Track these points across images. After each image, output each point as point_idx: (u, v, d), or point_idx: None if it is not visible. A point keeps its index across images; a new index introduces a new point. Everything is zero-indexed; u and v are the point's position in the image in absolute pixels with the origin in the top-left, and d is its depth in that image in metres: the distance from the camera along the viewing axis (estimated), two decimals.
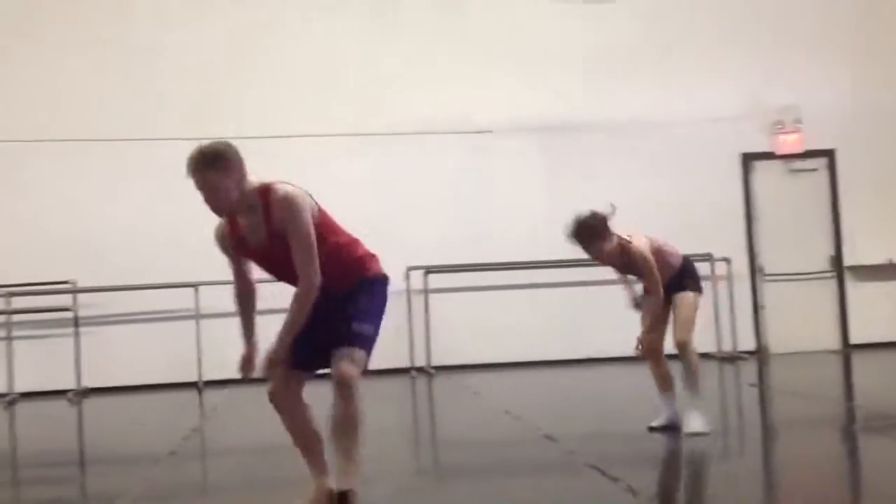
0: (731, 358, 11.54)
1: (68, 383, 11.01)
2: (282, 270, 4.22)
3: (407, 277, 11.55)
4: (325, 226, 4.25)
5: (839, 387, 9.70)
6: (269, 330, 4.25)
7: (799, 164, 12.38)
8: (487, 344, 11.63)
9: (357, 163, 11.69)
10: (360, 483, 4.28)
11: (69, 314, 11.30)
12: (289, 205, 4.09)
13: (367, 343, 4.23)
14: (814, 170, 12.43)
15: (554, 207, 11.32)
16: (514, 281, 11.82)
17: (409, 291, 11.54)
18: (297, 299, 4.14)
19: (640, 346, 6.29)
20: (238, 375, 4.29)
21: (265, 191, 4.15)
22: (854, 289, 12.29)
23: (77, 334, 11.28)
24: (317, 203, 4.25)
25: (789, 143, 12.27)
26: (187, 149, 4.16)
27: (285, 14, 11.95)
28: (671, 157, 12.08)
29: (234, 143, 4.21)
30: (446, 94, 11.88)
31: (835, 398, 8.48)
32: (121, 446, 7.51)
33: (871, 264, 12.21)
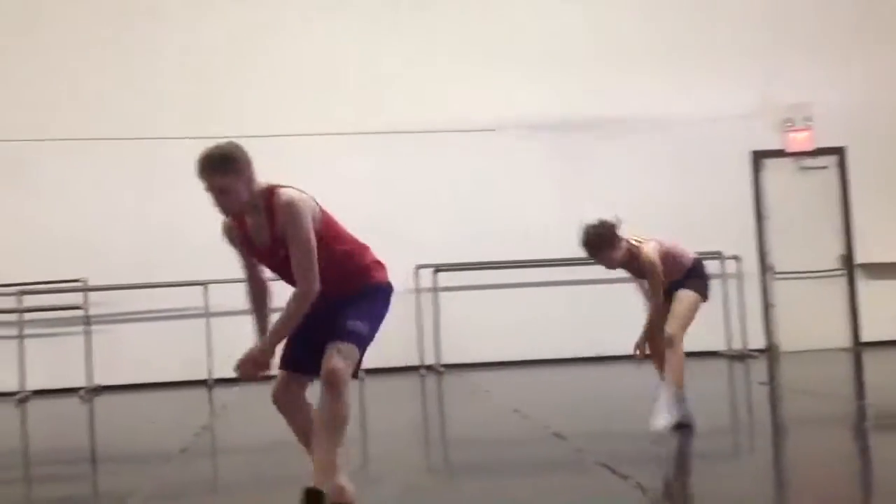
0: (742, 356, 11.52)
1: (79, 381, 11.06)
2: (285, 272, 4.22)
3: (416, 276, 11.57)
4: (330, 232, 4.23)
5: (850, 385, 9.68)
6: None
7: (809, 161, 12.35)
8: (496, 342, 11.64)
9: (364, 162, 11.70)
10: (366, 482, 4.28)
11: (80, 312, 11.36)
12: (290, 210, 4.09)
13: (360, 341, 4.21)
14: (824, 167, 12.40)
15: (564, 205, 11.37)
16: (524, 279, 11.82)
17: (418, 290, 11.56)
18: (292, 303, 4.12)
19: (637, 352, 6.30)
20: (235, 374, 4.22)
21: (269, 193, 4.16)
22: (865, 287, 12.26)
23: (88, 332, 11.33)
24: (321, 208, 4.24)
25: (800, 140, 12.24)
26: (195, 147, 4.16)
27: (286, 14, 11.95)
28: (681, 154, 12.06)
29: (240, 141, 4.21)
30: (452, 93, 11.87)
31: (845, 396, 8.45)
32: (132, 444, 7.54)
33: (881, 262, 12.17)
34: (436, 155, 11.89)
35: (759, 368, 10.77)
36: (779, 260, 12.21)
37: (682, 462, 5.92)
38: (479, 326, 11.64)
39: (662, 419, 6.07)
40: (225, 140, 4.20)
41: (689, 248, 6.53)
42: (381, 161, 11.78)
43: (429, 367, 11.54)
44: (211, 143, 4.17)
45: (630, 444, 6.01)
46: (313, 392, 4.35)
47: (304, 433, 4.33)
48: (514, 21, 12.16)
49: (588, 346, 11.55)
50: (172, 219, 11.25)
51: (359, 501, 4.43)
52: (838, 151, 12.36)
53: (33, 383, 10.93)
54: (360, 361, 4.29)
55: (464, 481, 5.52)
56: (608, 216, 6.19)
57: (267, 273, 4.40)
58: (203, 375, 11.05)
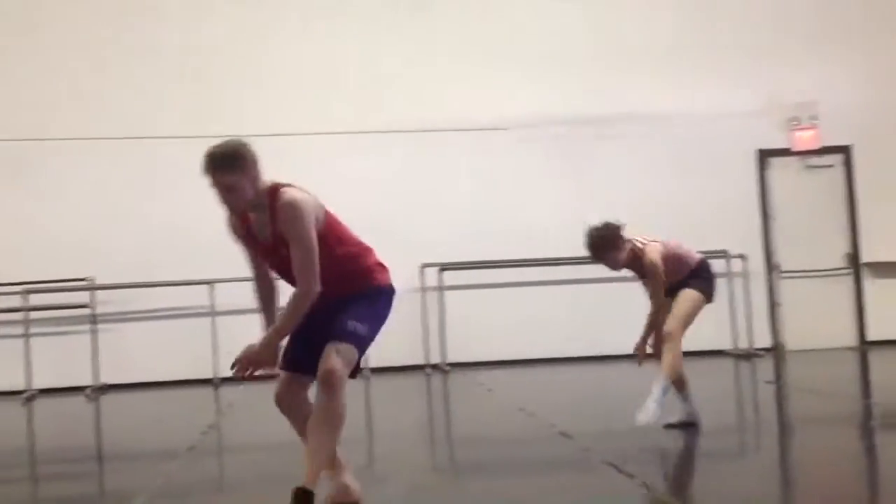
0: (748, 355, 11.51)
1: (86, 380, 11.08)
2: (286, 271, 4.21)
3: (421, 274, 11.58)
4: (333, 233, 4.23)
5: (856, 384, 9.67)
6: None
7: (815, 160, 12.33)
8: (502, 341, 11.64)
9: (368, 161, 11.69)
10: (372, 481, 4.28)
11: (86, 311, 11.39)
12: (291, 211, 4.08)
13: (359, 342, 4.19)
14: (830, 166, 12.37)
15: (569, 205, 11.38)
16: (529, 278, 11.83)
17: (423, 289, 11.57)
18: (291, 304, 4.11)
19: (638, 353, 6.30)
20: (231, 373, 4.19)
21: (273, 192, 4.16)
22: (871, 286, 12.23)
23: (94, 331, 11.36)
24: (325, 209, 4.23)
25: (805, 139, 12.22)
26: (196, 146, 4.17)
27: (286, 14, 11.94)
28: (687, 153, 12.05)
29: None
30: (454, 92, 11.86)
31: (852, 395, 8.44)
32: (138, 442, 7.56)
33: (888, 261, 12.14)
34: (441, 154, 11.89)
35: (765, 367, 10.76)
36: (785, 259, 12.19)
37: (688, 461, 5.92)
38: (484, 325, 11.64)
39: (645, 414, 6.05)
40: (231, 137, 4.20)
41: (695, 249, 6.54)
42: (385, 160, 11.77)
43: (434, 366, 11.55)
44: (214, 142, 4.17)
45: (636, 443, 6.01)
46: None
47: (307, 433, 4.33)
48: (531, 18, 12.12)
49: (593, 345, 11.54)
50: (177, 218, 11.26)
51: (364, 500, 4.44)
52: (844, 150, 12.34)
53: (40, 382, 10.95)
54: (359, 362, 4.27)
55: (469, 480, 5.52)
56: (611, 217, 6.21)
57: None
58: (209, 374, 11.07)
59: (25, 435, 8.84)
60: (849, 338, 12.11)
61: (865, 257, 12.23)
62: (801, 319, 12.01)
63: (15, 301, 11.07)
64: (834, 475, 5.13)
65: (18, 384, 10.88)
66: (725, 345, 11.65)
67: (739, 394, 9.27)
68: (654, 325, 6.30)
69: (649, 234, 6.43)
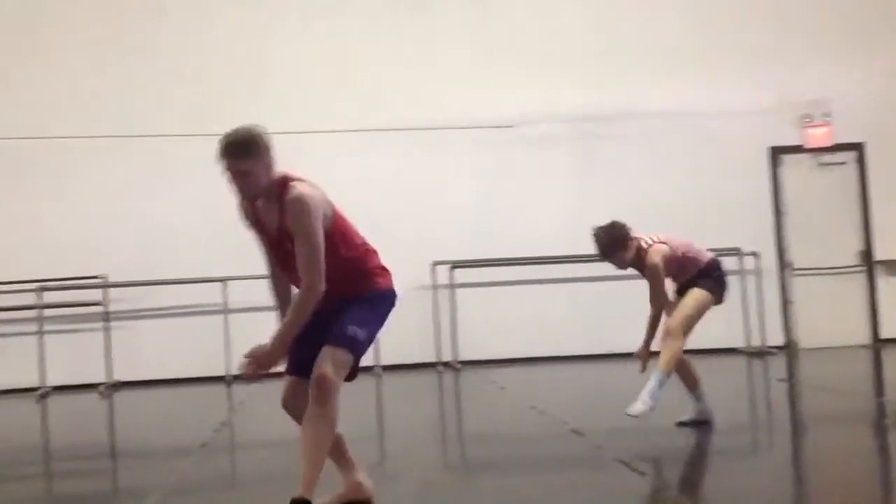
0: (760, 353, 11.49)
1: (99, 377, 11.13)
2: (290, 266, 4.19)
3: (433, 272, 11.58)
4: (339, 233, 4.20)
5: (869, 382, 9.63)
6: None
7: (828, 157, 12.29)
8: (514, 339, 11.64)
9: (373, 159, 11.68)
10: (384, 479, 4.29)
11: (99, 309, 11.43)
12: (299, 206, 4.06)
13: (355, 347, 4.16)
14: (843, 163, 12.33)
15: (581, 202, 11.37)
16: (541, 276, 11.82)
17: (435, 286, 11.58)
18: (298, 301, 4.09)
19: (640, 360, 6.29)
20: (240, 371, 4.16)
21: (283, 184, 4.14)
22: (884, 283, 12.18)
23: (107, 329, 11.40)
24: (333, 208, 4.21)
25: (818, 136, 12.18)
26: (202, 145, 4.17)
27: (286, 14, 11.94)
28: (699, 150, 12.02)
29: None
30: (468, 89, 11.86)
31: (865, 393, 8.42)
32: (151, 439, 7.59)
33: None
34: (458, 151, 11.88)
35: (778, 365, 10.73)
36: (797, 256, 12.15)
37: (700, 459, 5.91)
38: (496, 323, 11.64)
39: (636, 406, 6.03)
40: (246, 124, 4.21)
41: (705, 248, 6.50)
42: (387, 159, 11.75)
43: (446, 364, 11.56)
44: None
45: (648, 440, 6.00)
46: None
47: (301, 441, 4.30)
48: (544, 15, 12.10)
49: (606, 343, 11.52)
50: (193, 216, 11.30)
51: (376, 497, 4.45)
52: (857, 147, 12.29)
53: (53, 379, 11.01)
54: (357, 365, 4.24)
55: (481, 478, 5.52)
56: (617, 217, 6.23)
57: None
58: (221, 371, 11.10)
59: (39, 432, 8.89)
60: (862, 335, 12.07)
61: (879, 255, 12.18)
62: (813, 317, 11.97)
63: (29, 299, 11.12)
64: (847, 473, 5.12)
65: (32, 381, 10.94)
66: (738, 343, 11.63)
67: (752, 392, 9.25)
68: (655, 327, 6.29)
69: (660, 233, 6.41)
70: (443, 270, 11.70)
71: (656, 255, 6.18)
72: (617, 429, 6.24)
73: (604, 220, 6.33)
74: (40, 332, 11.09)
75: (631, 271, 6.47)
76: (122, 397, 10.59)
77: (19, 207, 11.51)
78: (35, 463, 6.95)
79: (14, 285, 11.09)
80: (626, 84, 11.98)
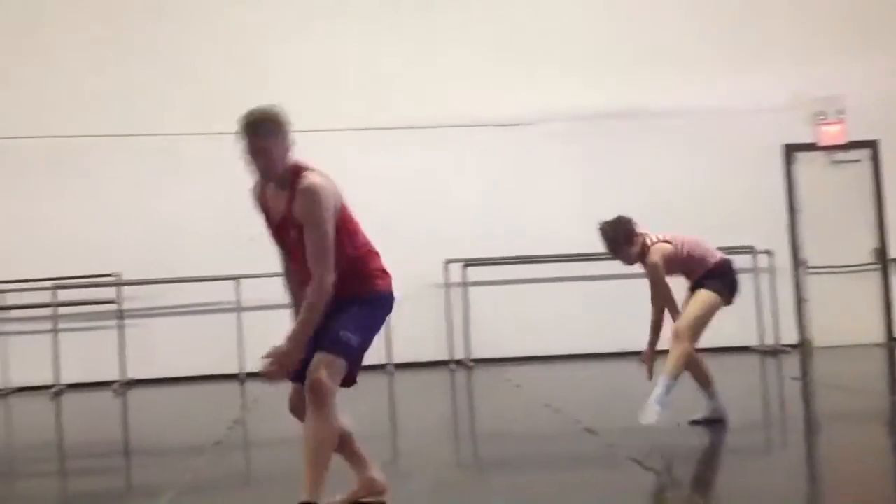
0: (774, 351, 11.45)
1: (113, 375, 11.18)
2: (290, 255, 4.17)
3: (446, 270, 11.58)
4: (346, 229, 4.17)
5: (883, 381, 9.59)
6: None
7: (842, 155, 12.23)
8: (527, 337, 11.63)
9: (392, 158, 11.69)
10: (397, 476, 4.29)
11: (113, 307, 11.48)
12: (311, 195, 4.04)
13: (349, 352, 4.11)
14: (857, 161, 12.27)
15: (594, 200, 11.32)
16: (554, 274, 11.80)
17: (447, 285, 11.58)
18: (309, 301, 4.04)
19: (646, 365, 6.27)
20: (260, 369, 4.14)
21: (296, 171, 4.14)
22: None
23: (121, 327, 11.45)
24: (342, 201, 4.18)
25: (832, 133, 12.12)
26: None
27: (286, 14, 11.95)
28: (712, 148, 11.98)
29: None
30: (482, 87, 11.85)
31: (879, 392, 8.38)
32: (165, 437, 7.62)
33: None
34: (472, 149, 11.86)
35: (792, 363, 10.69)
36: (811, 254, 12.11)
37: (713, 457, 5.90)
38: (509, 321, 11.63)
39: (646, 414, 6.01)
40: (268, 104, 4.20)
41: (716, 249, 6.44)
42: (417, 156, 11.75)
43: (459, 362, 11.56)
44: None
45: (661, 439, 5.99)
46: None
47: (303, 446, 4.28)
48: (554, 12, 12.08)
49: (619, 341, 11.48)
50: (206, 214, 11.33)
51: (389, 495, 4.46)
52: (871, 145, 12.23)
53: (68, 377, 11.06)
54: (355, 371, 4.21)
55: (494, 476, 5.53)
56: (622, 213, 6.23)
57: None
58: (235, 369, 11.13)
59: (54, 430, 8.94)
60: (876, 334, 12.02)
61: (893, 253, 12.12)
62: (827, 315, 11.92)
63: (43, 297, 11.17)
64: (861, 472, 5.10)
65: (47, 379, 10.99)
66: (752, 341, 11.59)
67: (766, 390, 9.22)
68: (658, 330, 6.27)
69: (666, 232, 6.38)
70: (455, 268, 11.70)
71: (656, 255, 6.17)
72: (630, 427, 6.23)
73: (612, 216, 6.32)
74: (55, 330, 11.14)
75: (643, 269, 6.46)
76: (135, 395, 10.63)
77: (31, 207, 11.54)
78: (49, 460, 6.98)
79: (29, 283, 11.15)
80: (638, 82, 11.94)
